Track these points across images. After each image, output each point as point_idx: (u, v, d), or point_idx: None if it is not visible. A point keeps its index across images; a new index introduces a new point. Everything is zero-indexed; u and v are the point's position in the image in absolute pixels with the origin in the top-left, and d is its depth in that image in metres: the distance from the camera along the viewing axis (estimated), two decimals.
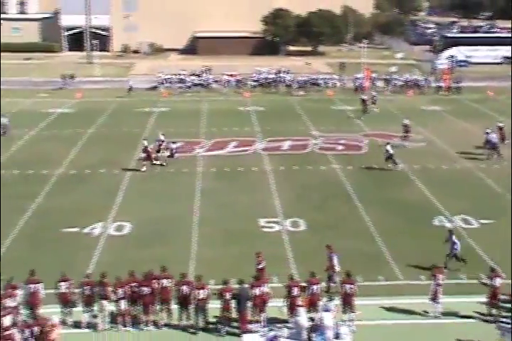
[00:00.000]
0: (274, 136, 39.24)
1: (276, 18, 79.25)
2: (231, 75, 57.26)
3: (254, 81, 56.69)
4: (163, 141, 34.98)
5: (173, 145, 34.65)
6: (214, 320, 17.95)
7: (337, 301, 18.04)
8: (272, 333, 16.67)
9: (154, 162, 32.98)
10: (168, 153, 34.41)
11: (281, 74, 57.15)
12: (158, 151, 34.21)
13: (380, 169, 32.53)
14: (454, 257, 21.53)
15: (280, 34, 79.67)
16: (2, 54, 77.00)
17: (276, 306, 17.78)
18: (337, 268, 19.81)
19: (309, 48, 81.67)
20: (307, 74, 59.05)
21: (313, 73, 60.81)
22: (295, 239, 23.86)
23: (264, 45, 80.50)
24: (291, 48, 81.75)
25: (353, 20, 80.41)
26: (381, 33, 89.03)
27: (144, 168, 32.27)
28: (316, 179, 31.22)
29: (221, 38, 79.27)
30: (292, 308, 17.22)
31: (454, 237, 21.70)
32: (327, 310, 16.58)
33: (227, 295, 17.62)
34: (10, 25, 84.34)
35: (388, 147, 32.75)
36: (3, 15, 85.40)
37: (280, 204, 27.59)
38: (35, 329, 15.70)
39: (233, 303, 17.67)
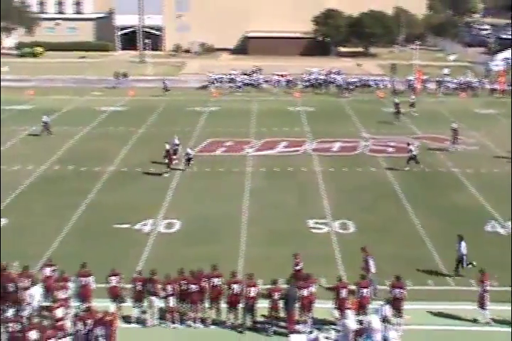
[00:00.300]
0: (323, 136, 39.14)
1: (327, 18, 78.99)
2: (281, 75, 57.35)
3: (305, 81, 56.62)
4: (177, 145, 33.61)
5: (190, 151, 33.05)
6: (262, 319, 18.01)
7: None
8: (313, 335, 16.64)
9: (171, 166, 31.94)
10: (185, 156, 32.67)
11: (332, 75, 56.95)
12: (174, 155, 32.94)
13: (431, 172, 32.15)
14: (458, 262, 21.04)
15: (331, 34, 79.36)
16: (58, 53, 79.15)
17: (325, 308, 17.75)
18: (373, 270, 19.69)
19: (360, 49, 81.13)
20: (358, 75, 58.73)
21: (364, 74, 60.43)
22: (344, 241, 23.74)
23: (315, 46, 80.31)
24: (342, 49, 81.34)
25: (405, 21, 79.51)
26: (434, 35, 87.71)
27: (167, 174, 31.48)
28: (365, 181, 31.02)
29: (272, 38, 79.37)
30: (341, 310, 17.16)
31: (462, 243, 21.09)
32: (383, 314, 16.44)
33: (276, 295, 17.65)
34: (66, 25, 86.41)
35: (412, 147, 32.64)
36: (60, 15, 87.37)
37: (329, 205, 27.50)
38: (89, 321, 16.00)
39: (281, 303, 17.69)
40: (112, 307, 17.10)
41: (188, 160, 32.62)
